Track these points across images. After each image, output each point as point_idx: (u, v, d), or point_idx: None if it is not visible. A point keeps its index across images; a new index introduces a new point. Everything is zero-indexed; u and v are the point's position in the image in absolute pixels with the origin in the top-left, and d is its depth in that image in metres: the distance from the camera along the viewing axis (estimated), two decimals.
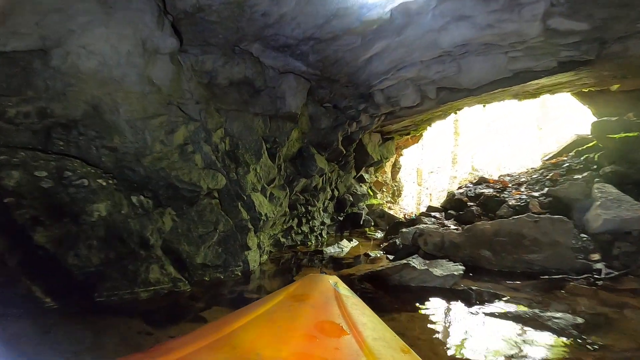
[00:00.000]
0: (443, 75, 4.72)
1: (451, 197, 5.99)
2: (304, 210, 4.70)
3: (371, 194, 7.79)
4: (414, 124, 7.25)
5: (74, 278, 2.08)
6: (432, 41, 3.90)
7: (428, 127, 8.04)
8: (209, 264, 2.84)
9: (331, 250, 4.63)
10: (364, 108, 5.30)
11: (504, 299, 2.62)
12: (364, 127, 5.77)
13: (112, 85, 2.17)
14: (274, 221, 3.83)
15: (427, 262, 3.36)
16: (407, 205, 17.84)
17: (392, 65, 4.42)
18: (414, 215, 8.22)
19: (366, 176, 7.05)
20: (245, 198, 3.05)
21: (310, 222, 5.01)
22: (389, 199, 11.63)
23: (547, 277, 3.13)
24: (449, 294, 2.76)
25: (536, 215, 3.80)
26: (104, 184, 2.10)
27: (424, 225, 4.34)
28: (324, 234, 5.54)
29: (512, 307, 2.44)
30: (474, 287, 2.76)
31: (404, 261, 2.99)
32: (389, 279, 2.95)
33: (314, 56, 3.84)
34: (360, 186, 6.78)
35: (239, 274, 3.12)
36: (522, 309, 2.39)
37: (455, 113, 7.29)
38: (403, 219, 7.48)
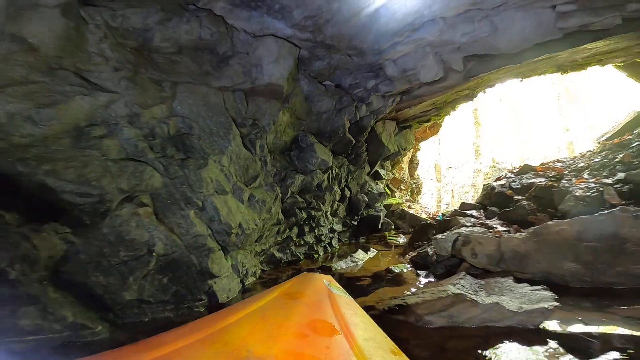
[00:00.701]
0: (472, 38, 3.59)
1: (489, 190, 4.74)
2: (305, 216, 3.61)
3: (388, 192, 6.61)
4: (435, 108, 6.07)
5: None
6: None
7: (451, 112, 6.83)
8: (149, 300, 1.83)
9: (342, 265, 3.52)
10: (375, 86, 4.21)
11: None
12: (375, 112, 4.66)
13: None
14: (260, 232, 2.78)
15: (482, 282, 2.19)
16: (427, 203, 16.49)
17: (406, 23, 3.32)
18: (440, 214, 6.95)
19: (382, 172, 5.91)
20: (202, 203, 2.03)
21: (316, 230, 3.92)
22: (407, 197, 10.38)
23: None
24: (542, 341, 1.58)
25: (634, 208, 2.56)
26: None
27: (468, 229, 3.15)
28: (334, 243, 4.43)
29: None
30: (593, 331, 1.57)
31: (453, 288, 1.84)
32: (429, 318, 1.81)
33: (300, 12, 2.82)
34: (376, 184, 5.64)
35: (203, 310, 2.09)
36: None
37: (484, 92, 6.05)
38: (429, 220, 6.26)
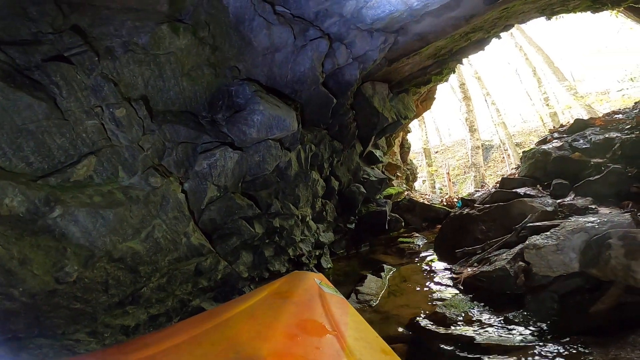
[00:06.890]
0: None
1: (541, 157, 3.14)
2: (260, 230, 1.91)
3: (391, 178, 4.98)
4: (437, 61, 4.41)
5: None
6: None
7: (454, 70, 5.24)
8: None
9: None
10: (356, 11, 2.51)
11: None
12: (362, 59, 2.96)
13: None
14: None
15: None
16: (422, 190, 14.96)
17: None
18: (457, 200, 5.32)
19: (377, 153, 4.23)
20: None
21: (290, 250, 2.23)
22: (404, 186, 8.72)
23: None
24: None
25: None
26: None
27: (595, 223, 1.49)
28: (324, 263, 2.77)
29: None
30: None
31: None
32: None
33: None
34: (372, 169, 3.97)
35: None
36: None
37: (499, 36, 4.46)
38: (444, 208, 4.64)
